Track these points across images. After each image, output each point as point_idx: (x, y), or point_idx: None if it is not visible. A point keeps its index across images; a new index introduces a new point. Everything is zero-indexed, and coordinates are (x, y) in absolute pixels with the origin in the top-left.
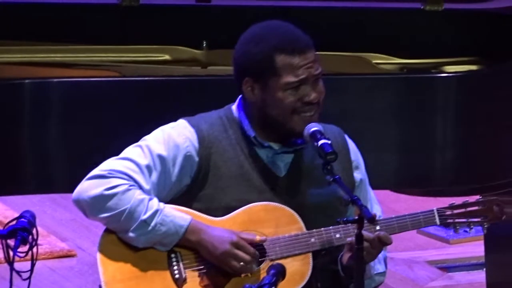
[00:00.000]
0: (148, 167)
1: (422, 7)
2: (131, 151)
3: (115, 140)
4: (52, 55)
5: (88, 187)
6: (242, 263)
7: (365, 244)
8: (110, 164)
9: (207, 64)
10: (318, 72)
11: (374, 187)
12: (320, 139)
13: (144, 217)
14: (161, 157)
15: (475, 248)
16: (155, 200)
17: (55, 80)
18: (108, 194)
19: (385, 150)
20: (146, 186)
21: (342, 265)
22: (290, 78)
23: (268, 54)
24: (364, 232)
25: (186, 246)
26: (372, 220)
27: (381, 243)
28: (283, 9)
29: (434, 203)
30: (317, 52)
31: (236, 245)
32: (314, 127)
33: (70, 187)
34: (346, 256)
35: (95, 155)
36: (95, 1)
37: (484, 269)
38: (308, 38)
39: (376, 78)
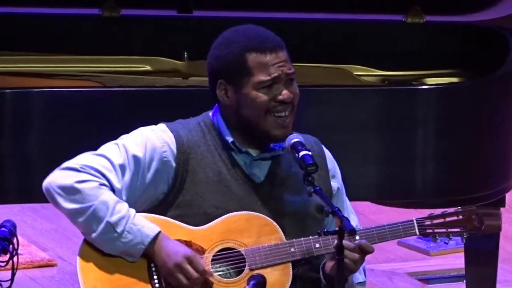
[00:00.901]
0: (122, 166)
1: (403, 20)
2: (107, 148)
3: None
4: (33, 65)
5: (59, 177)
6: (189, 280)
7: (348, 254)
8: (84, 158)
9: (188, 75)
10: (291, 72)
11: (355, 198)
12: (301, 150)
13: (109, 218)
14: (136, 158)
15: (455, 260)
16: (124, 204)
17: (36, 90)
18: (76, 187)
19: (366, 161)
20: (118, 185)
21: (325, 273)
22: (263, 77)
23: (240, 54)
24: (345, 242)
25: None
26: (353, 232)
27: (363, 251)
28: (265, 20)
29: (415, 215)
30: (299, 64)
31: (189, 260)
32: (295, 138)
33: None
34: (328, 264)
35: None
36: (76, 12)
37: (464, 281)
38: (279, 39)
39: (357, 90)
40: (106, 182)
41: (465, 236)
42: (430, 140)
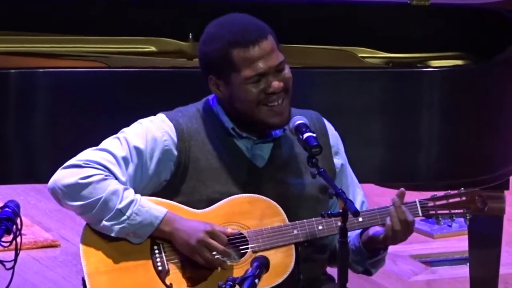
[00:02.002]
0: (125, 159)
1: (408, 2)
2: (109, 142)
3: (101, 131)
4: (38, 45)
5: (63, 176)
6: (215, 253)
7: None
8: (86, 154)
9: (193, 56)
10: (279, 62)
11: (360, 180)
12: (305, 132)
13: (119, 206)
14: (138, 150)
15: (459, 243)
16: (131, 190)
17: (41, 70)
18: (83, 183)
19: (370, 144)
20: (122, 178)
21: (368, 235)
22: (249, 72)
23: (224, 50)
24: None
25: (165, 238)
26: (357, 213)
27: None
28: (268, 3)
29: (418, 197)
30: (304, 45)
31: (211, 234)
32: (299, 120)
33: None
34: (374, 229)
35: (80, 146)
36: None
37: (468, 263)
38: (263, 27)
39: (362, 72)
40: (110, 174)
41: (468, 218)
42: (434, 123)
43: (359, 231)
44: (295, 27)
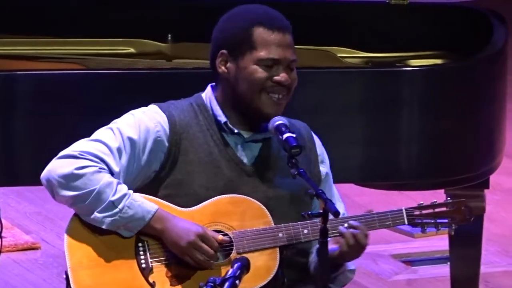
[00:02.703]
0: (118, 149)
1: (387, 1)
2: (102, 133)
3: (80, 133)
4: (17, 48)
5: (58, 166)
6: (205, 256)
7: (341, 241)
8: (81, 145)
9: (172, 57)
10: (293, 59)
11: (340, 180)
12: (285, 132)
13: (112, 198)
14: (131, 140)
15: (440, 242)
16: (124, 185)
17: (20, 73)
18: (78, 174)
19: (350, 143)
20: (116, 168)
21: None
22: (264, 54)
23: (247, 26)
24: (341, 228)
25: (152, 235)
26: (337, 214)
27: (356, 241)
28: (247, 1)
29: (399, 197)
30: None
31: (202, 238)
32: (279, 120)
33: (35, 180)
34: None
35: (60, 148)
36: None
37: (448, 263)
38: (289, 23)
39: (341, 72)
40: (104, 166)
41: (453, 228)
42: (414, 122)
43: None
44: None
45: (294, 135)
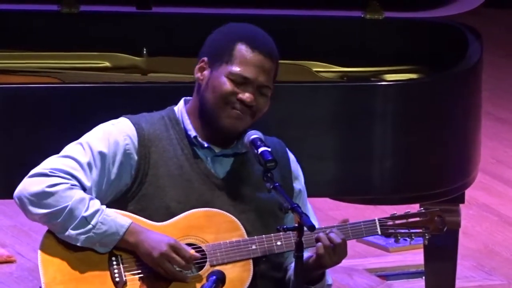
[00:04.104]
0: (89, 164)
1: (362, 16)
2: (71, 148)
3: (54, 147)
4: None
5: (29, 184)
6: (176, 267)
7: (320, 248)
8: (51, 162)
9: (147, 71)
10: (266, 84)
11: (314, 195)
12: (260, 146)
13: (85, 214)
14: (101, 154)
15: (415, 257)
16: (97, 200)
17: None
18: (49, 191)
19: (324, 158)
20: (88, 184)
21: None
22: (237, 69)
23: (232, 40)
24: (320, 234)
25: (126, 249)
26: (312, 228)
27: (331, 242)
28: (224, 16)
29: (374, 211)
30: None
31: (174, 248)
32: (254, 134)
33: (8, 193)
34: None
35: (34, 161)
36: (35, 8)
37: (424, 277)
38: (276, 52)
39: (316, 86)
40: (76, 183)
41: (427, 237)
42: (388, 137)
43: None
44: None
45: (269, 149)
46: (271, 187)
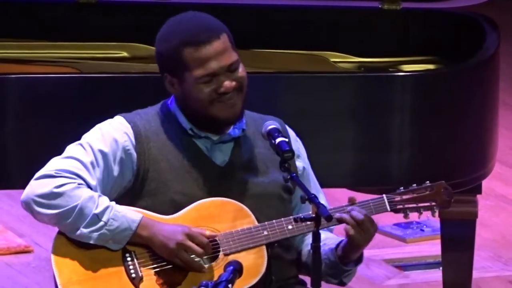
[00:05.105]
0: (92, 163)
1: (380, 6)
2: (73, 149)
3: (73, 136)
4: (10, 51)
5: (36, 187)
6: (193, 256)
7: (349, 229)
8: (55, 164)
9: None
10: (231, 61)
11: (332, 185)
12: (278, 136)
13: (96, 211)
14: (102, 153)
15: (432, 247)
16: (105, 197)
17: (13, 76)
18: (57, 192)
19: (342, 148)
20: (93, 182)
21: (341, 249)
22: (200, 72)
23: (176, 49)
24: (343, 215)
25: (139, 244)
26: (329, 218)
27: (356, 220)
28: (242, 6)
29: None
30: (276, 50)
31: (189, 237)
32: (271, 124)
33: (26, 183)
34: (343, 243)
35: (52, 151)
36: None
37: (441, 268)
38: (216, 26)
39: (334, 77)
40: (82, 182)
41: (435, 210)
42: (405, 127)
43: (333, 245)
44: (267, 32)
45: (286, 140)
46: (289, 177)
